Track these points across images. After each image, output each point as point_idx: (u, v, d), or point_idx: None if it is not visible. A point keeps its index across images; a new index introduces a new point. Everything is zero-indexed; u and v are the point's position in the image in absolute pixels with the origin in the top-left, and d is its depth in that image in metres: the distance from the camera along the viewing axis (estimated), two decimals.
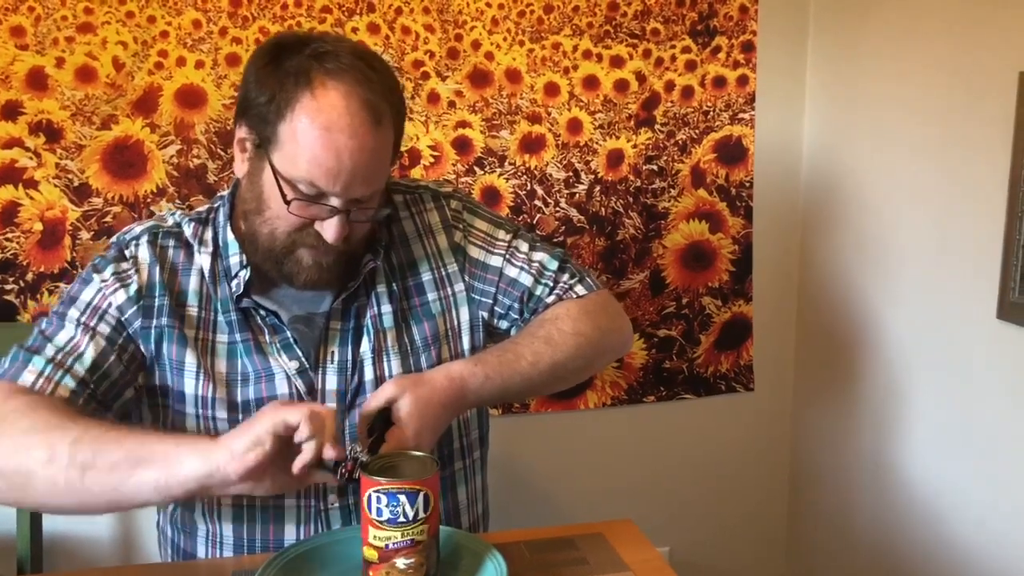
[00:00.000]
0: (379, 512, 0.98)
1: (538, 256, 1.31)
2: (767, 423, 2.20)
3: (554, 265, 1.31)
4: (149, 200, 1.76)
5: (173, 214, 1.27)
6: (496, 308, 1.30)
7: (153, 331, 1.19)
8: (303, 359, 1.20)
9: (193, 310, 1.20)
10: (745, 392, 2.16)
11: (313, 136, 1.07)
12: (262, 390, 1.19)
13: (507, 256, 1.30)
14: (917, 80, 1.74)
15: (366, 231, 1.20)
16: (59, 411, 1.07)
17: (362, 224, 1.17)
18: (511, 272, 1.30)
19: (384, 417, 1.10)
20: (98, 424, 1.06)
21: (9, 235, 1.71)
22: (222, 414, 1.19)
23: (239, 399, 1.19)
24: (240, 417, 1.18)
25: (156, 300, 1.19)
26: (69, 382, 1.12)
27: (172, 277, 1.21)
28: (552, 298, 1.30)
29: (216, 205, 1.27)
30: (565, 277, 1.32)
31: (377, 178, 1.14)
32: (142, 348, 1.19)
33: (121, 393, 1.18)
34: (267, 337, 1.20)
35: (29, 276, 1.73)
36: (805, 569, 2.21)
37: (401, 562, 0.99)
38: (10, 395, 1.10)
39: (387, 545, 0.99)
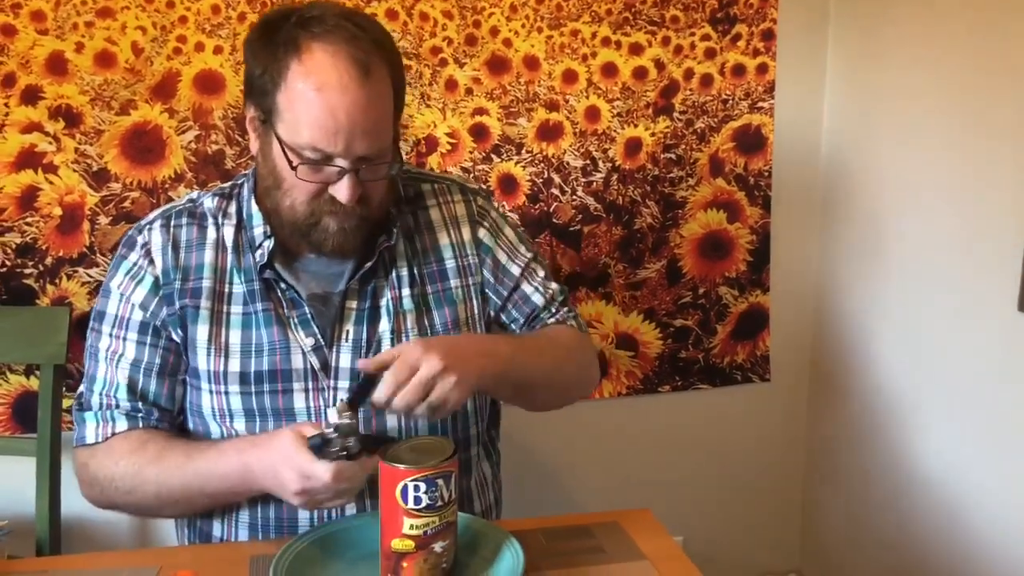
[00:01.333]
0: (417, 500, 0.98)
1: (553, 286, 1.38)
2: (783, 414, 2.19)
3: (562, 298, 1.39)
4: (167, 185, 1.76)
5: (190, 194, 1.30)
6: (502, 315, 1.35)
7: (178, 315, 1.22)
8: (318, 336, 1.22)
9: (208, 282, 1.22)
10: (761, 383, 2.15)
11: (307, 99, 1.10)
12: (276, 362, 1.21)
13: (525, 273, 1.36)
14: (939, 69, 1.72)
15: (382, 193, 1.21)
16: (130, 457, 1.18)
17: (376, 184, 1.18)
18: (527, 289, 1.36)
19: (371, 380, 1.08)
20: (163, 463, 1.17)
21: (29, 219, 1.72)
22: (235, 388, 1.21)
23: (252, 370, 1.21)
24: (252, 391, 1.20)
25: (173, 285, 1.22)
26: (121, 419, 1.21)
27: (185, 255, 1.23)
28: (552, 320, 1.37)
29: (240, 181, 1.29)
30: (564, 310, 1.38)
31: (378, 133, 1.14)
32: (174, 336, 1.22)
33: (172, 395, 1.24)
34: (286, 310, 1.22)
35: (48, 260, 1.74)
36: (820, 560, 2.21)
37: (438, 546, 1.01)
38: (89, 457, 1.22)
39: (426, 532, 0.99)
